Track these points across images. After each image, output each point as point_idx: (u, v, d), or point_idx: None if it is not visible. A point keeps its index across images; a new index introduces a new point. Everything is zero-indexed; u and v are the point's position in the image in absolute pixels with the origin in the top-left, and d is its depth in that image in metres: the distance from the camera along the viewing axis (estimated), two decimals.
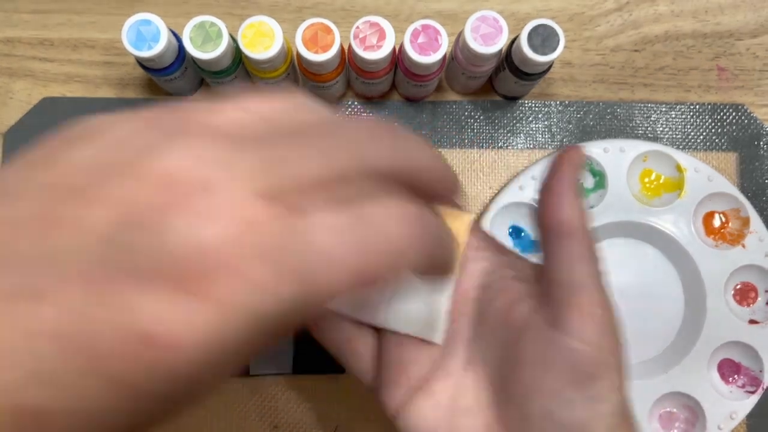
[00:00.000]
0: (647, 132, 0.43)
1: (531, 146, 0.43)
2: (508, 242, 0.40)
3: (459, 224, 0.25)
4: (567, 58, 0.43)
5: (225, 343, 0.12)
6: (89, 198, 0.12)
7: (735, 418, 0.38)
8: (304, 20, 0.36)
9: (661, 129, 0.43)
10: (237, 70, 0.39)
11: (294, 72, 0.40)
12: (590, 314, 0.21)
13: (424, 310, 0.25)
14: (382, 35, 0.36)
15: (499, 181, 0.42)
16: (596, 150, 0.40)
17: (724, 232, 0.40)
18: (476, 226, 0.26)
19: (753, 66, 0.44)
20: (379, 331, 0.26)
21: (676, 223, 0.40)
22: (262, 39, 0.36)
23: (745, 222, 0.40)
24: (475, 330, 0.25)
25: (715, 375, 0.40)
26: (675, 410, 0.40)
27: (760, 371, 0.39)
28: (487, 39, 0.36)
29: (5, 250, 0.12)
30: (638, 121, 0.43)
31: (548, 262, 0.22)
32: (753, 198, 0.42)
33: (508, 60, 0.38)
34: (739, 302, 0.40)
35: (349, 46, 0.37)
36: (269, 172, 0.13)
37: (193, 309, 0.12)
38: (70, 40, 0.43)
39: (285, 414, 0.40)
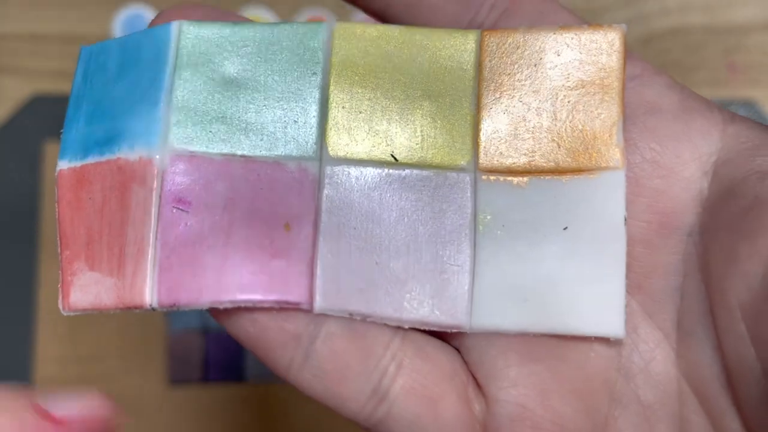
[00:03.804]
0: None
1: None
2: None
3: (603, 48, 0.16)
4: None
5: None
6: None
7: None
8: (302, 12, 0.35)
9: None
10: None
11: None
12: None
13: (568, 283, 0.15)
14: None
15: None
16: None
17: None
18: (631, 56, 0.16)
19: (763, 61, 0.43)
20: (460, 347, 0.16)
21: None
22: None
23: None
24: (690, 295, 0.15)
25: None
26: None
27: None
28: None
29: None
30: None
31: None
32: None
33: None
34: None
35: None
36: None
37: None
38: (62, 35, 0.42)
39: (286, 422, 0.39)
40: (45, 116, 0.41)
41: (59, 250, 0.16)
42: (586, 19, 0.45)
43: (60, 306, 0.16)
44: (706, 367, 0.15)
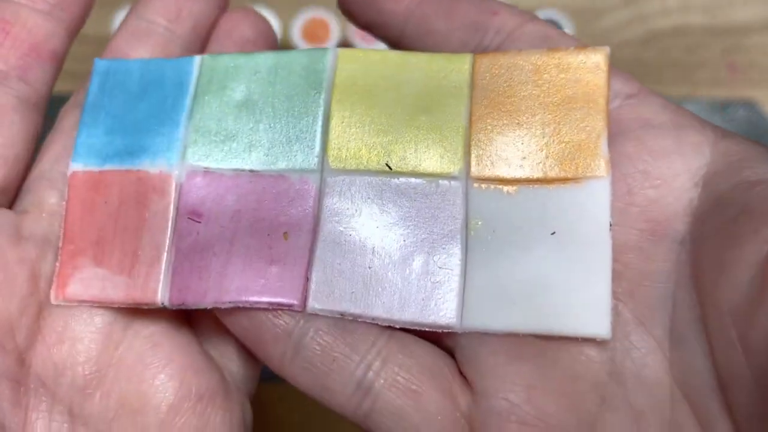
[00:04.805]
0: None
1: None
2: None
3: (588, 67, 0.16)
4: None
5: None
6: None
7: None
8: (302, 12, 0.35)
9: None
10: None
11: None
12: None
13: (554, 284, 0.16)
14: None
15: None
16: None
17: None
18: (628, 77, 0.17)
19: (763, 61, 0.43)
20: (454, 347, 0.17)
21: None
22: None
23: None
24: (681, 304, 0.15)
25: None
26: None
27: None
28: None
29: None
30: None
31: None
32: None
33: None
34: None
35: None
36: None
37: None
38: None
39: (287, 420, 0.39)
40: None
41: (60, 244, 0.17)
42: (587, 18, 0.45)
43: (52, 296, 0.17)
44: (697, 373, 0.15)
